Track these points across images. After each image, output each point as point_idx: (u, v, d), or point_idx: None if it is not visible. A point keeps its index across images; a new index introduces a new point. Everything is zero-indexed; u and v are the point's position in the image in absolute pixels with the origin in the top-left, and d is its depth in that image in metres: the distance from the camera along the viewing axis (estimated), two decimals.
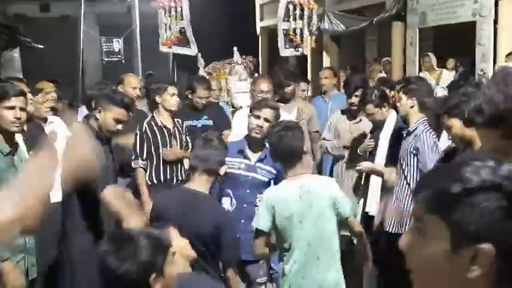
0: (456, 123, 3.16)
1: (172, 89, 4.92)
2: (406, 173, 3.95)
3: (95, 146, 1.51)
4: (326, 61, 13.05)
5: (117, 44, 17.94)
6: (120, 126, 3.73)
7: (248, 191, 3.91)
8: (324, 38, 12.75)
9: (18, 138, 3.73)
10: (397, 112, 4.42)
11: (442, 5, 9.50)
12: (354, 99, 5.09)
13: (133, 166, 4.73)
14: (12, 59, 14.36)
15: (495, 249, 0.97)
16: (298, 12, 8.37)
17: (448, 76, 9.13)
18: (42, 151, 1.45)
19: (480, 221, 0.97)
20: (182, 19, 8.33)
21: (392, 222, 4.01)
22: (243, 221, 3.77)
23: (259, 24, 15.73)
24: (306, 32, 8.36)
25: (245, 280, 3.80)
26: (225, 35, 11.65)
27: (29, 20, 17.08)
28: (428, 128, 3.93)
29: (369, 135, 4.87)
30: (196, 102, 5.39)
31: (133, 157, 4.74)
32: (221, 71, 8.10)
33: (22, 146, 3.75)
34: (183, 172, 4.81)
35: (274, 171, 3.90)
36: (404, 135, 4.10)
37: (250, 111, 4.05)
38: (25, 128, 4.22)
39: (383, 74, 9.71)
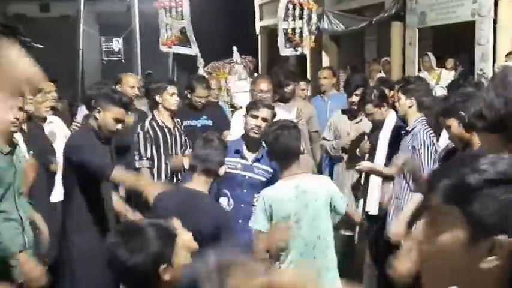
0: (454, 124, 3.17)
1: (172, 89, 4.92)
2: (405, 172, 3.96)
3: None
4: (325, 61, 13.05)
5: (117, 44, 17.96)
6: (120, 126, 3.74)
7: (245, 190, 3.91)
8: (323, 37, 12.75)
9: (19, 138, 3.74)
10: (397, 112, 4.43)
11: (442, 5, 9.50)
12: (354, 98, 5.10)
13: (138, 166, 4.70)
14: None
15: None
16: (297, 11, 8.38)
17: (447, 76, 9.13)
18: None
19: (498, 213, 0.98)
20: (183, 19, 8.34)
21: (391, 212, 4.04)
22: (240, 221, 3.76)
23: (258, 24, 15.73)
24: (305, 32, 8.37)
25: None
26: (225, 35, 11.65)
27: (29, 20, 17.07)
28: (427, 127, 3.94)
29: (365, 138, 4.88)
30: (196, 102, 5.39)
31: (137, 157, 4.73)
32: (221, 70, 8.11)
33: (22, 146, 3.76)
34: (182, 172, 4.81)
35: (271, 171, 3.91)
36: (403, 134, 4.11)
37: (247, 111, 4.05)
38: (25, 127, 4.23)
39: (382, 74, 9.71)
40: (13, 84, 1.42)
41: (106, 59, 18.25)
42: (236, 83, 7.37)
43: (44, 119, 4.86)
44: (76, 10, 13.95)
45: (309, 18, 8.42)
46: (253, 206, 3.73)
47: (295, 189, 3.17)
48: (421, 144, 3.85)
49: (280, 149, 3.23)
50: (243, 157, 3.95)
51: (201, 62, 8.22)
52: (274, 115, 3.98)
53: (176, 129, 4.90)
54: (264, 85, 5.01)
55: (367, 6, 11.88)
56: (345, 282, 3.35)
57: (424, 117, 4.01)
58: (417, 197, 3.78)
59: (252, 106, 4.07)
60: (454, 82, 7.85)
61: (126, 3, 15.46)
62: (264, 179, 3.92)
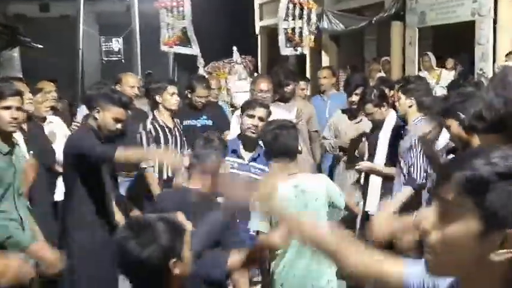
0: (453, 124, 3.17)
1: (172, 88, 4.93)
2: (405, 172, 3.96)
3: None
4: (325, 60, 13.05)
5: (117, 44, 17.97)
6: (119, 126, 3.74)
7: None
8: (323, 37, 12.76)
9: (19, 137, 3.74)
10: (396, 111, 4.43)
11: (441, 5, 9.51)
12: (355, 98, 5.10)
13: (143, 166, 4.70)
14: (12, 58, 14.36)
15: None
16: (297, 11, 8.38)
17: (447, 76, 9.14)
18: None
19: (510, 206, 0.99)
20: (184, 19, 8.35)
21: None
22: (237, 220, 3.76)
23: (258, 24, 15.73)
24: (305, 32, 8.37)
25: None
26: (225, 35, 11.67)
27: (29, 20, 17.08)
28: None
29: (363, 139, 4.88)
30: (196, 102, 5.39)
31: None
32: (221, 70, 8.12)
33: (22, 146, 3.76)
34: (182, 171, 4.82)
35: (268, 170, 3.91)
36: (403, 134, 4.11)
37: (242, 111, 4.04)
38: (25, 127, 4.24)
39: (382, 74, 9.71)
40: None
41: (106, 59, 18.26)
42: (236, 83, 7.38)
43: (44, 119, 4.87)
44: (76, 10, 13.96)
45: (309, 18, 8.42)
46: None
47: (294, 189, 3.17)
48: (417, 142, 3.87)
49: (279, 149, 3.23)
50: (239, 156, 3.96)
51: (201, 61, 8.23)
52: (269, 114, 3.98)
53: (176, 129, 4.91)
54: (264, 85, 5.01)
55: (366, 5, 11.88)
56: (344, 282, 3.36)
57: (424, 117, 4.02)
58: (407, 190, 3.83)
59: (248, 106, 4.07)
60: (454, 82, 7.86)
61: (126, 3, 15.47)
62: (260, 178, 3.92)
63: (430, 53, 9.65)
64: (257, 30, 15.84)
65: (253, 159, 3.95)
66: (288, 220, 1.74)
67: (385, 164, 4.38)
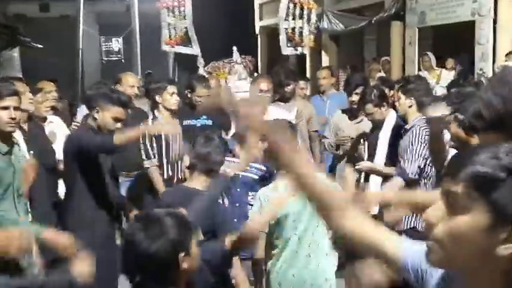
0: (452, 123, 3.16)
1: (172, 88, 4.93)
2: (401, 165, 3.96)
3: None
4: (325, 60, 13.06)
5: (117, 44, 17.98)
6: (119, 125, 3.75)
7: (239, 189, 3.92)
8: (323, 37, 12.76)
9: (19, 137, 3.74)
10: (396, 111, 4.43)
11: (441, 5, 9.51)
12: (355, 97, 5.10)
13: (146, 166, 4.70)
14: (12, 58, 14.37)
15: None
16: (298, 11, 8.39)
17: (447, 76, 9.15)
18: None
19: None
20: (185, 18, 8.36)
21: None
22: (235, 219, 3.77)
23: (258, 24, 15.74)
24: (305, 31, 8.37)
25: None
26: (225, 35, 11.66)
27: (29, 20, 17.07)
28: (425, 125, 3.94)
29: (362, 141, 4.88)
30: (196, 101, 5.39)
31: (144, 157, 4.74)
32: (221, 70, 8.10)
33: (23, 146, 3.75)
34: (182, 170, 4.82)
35: (264, 169, 3.91)
36: (402, 133, 4.11)
37: None
38: (25, 127, 4.23)
39: (382, 74, 9.72)
40: None
41: (106, 58, 18.27)
42: (236, 83, 7.36)
43: (44, 119, 4.86)
44: (76, 10, 13.97)
45: (309, 18, 8.43)
46: (248, 204, 3.75)
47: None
48: (414, 139, 3.87)
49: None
50: (235, 156, 3.96)
51: (201, 61, 8.22)
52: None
53: None
54: (264, 85, 5.02)
55: (366, 5, 11.89)
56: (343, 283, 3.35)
57: (424, 117, 4.01)
58: (398, 181, 3.82)
59: None
60: (454, 82, 7.86)
61: (126, 3, 15.47)
62: (256, 176, 3.93)
63: (430, 53, 9.65)
64: (257, 30, 15.84)
65: None
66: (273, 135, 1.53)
67: (385, 164, 4.38)
